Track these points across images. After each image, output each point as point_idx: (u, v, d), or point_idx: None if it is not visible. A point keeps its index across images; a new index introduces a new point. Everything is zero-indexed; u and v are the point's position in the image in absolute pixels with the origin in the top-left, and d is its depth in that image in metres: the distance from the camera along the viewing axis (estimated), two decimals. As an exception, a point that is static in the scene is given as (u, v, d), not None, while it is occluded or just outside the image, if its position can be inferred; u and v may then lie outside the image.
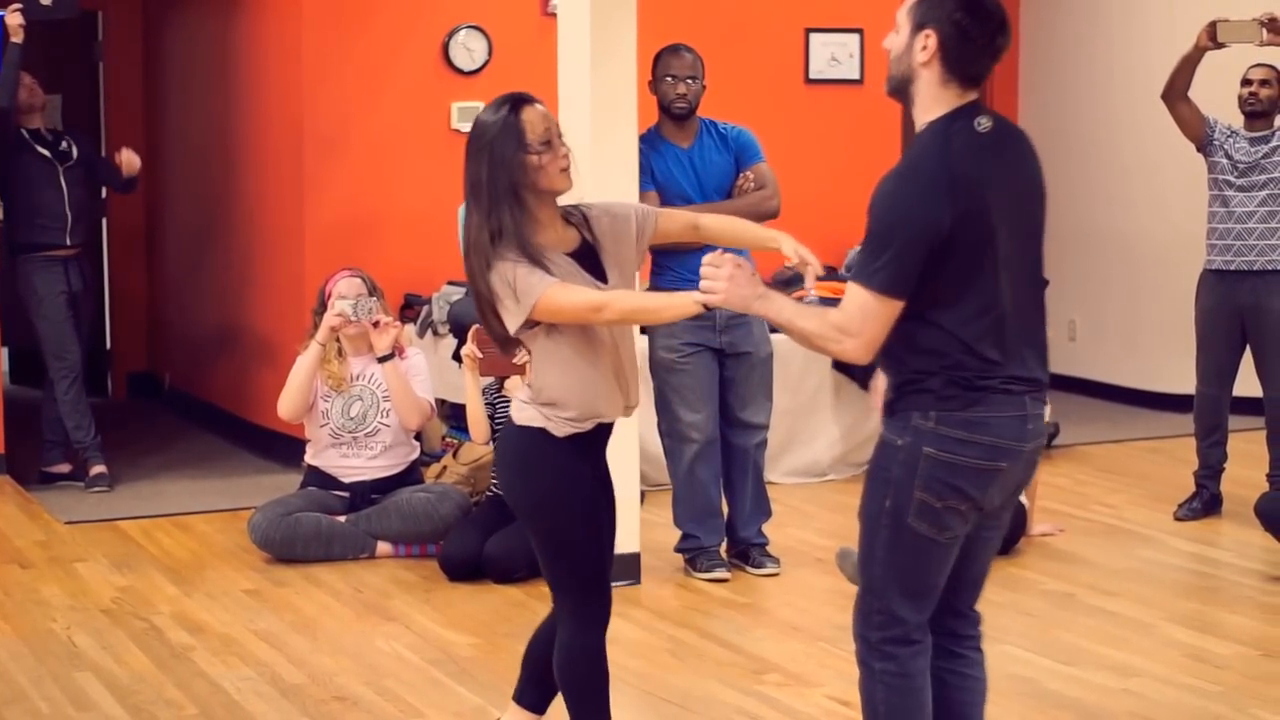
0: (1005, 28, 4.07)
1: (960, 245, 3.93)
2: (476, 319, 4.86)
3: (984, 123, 4.06)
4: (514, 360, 7.21)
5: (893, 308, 3.94)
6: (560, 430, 4.60)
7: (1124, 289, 11.65)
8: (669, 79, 7.21)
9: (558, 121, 4.66)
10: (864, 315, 3.94)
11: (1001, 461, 4.05)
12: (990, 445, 4.03)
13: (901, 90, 4.17)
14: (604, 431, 4.70)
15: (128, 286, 9.89)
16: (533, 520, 4.71)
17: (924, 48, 4.06)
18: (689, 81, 7.19)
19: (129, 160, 9.33)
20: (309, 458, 7.83)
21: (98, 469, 9.06)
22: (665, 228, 4.83)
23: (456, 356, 8.16)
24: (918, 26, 4.07)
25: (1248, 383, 8.41)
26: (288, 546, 7.49)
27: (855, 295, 3.96)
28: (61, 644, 6.43)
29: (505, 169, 4.51)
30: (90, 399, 9.36)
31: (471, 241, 4.52)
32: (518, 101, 4.63)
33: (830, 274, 9.98)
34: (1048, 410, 4.26)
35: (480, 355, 7.20)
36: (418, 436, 7.95)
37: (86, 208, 9.29)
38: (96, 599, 7.03)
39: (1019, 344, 4.10)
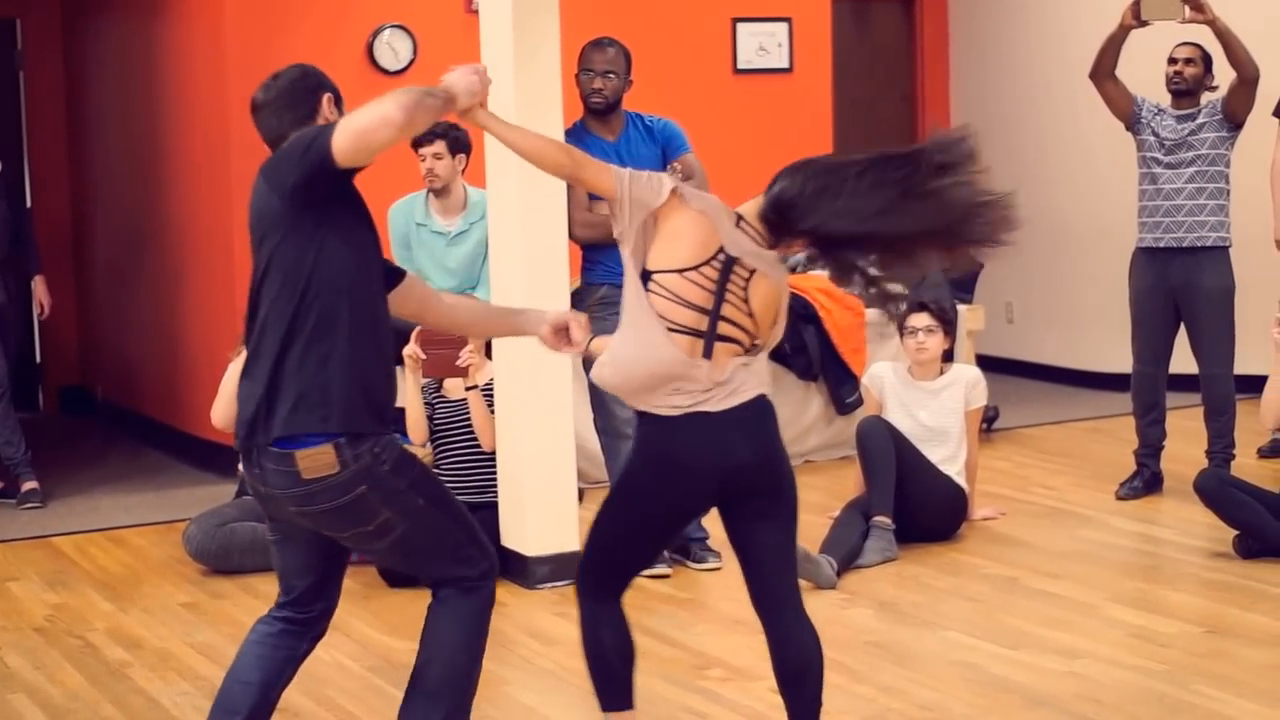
0: (269, 86, 4.51)
1: None
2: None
3: None
4: (457, 361, 7.18)
5: None
6: None
7: (1059, 270, 11.67)
8: (588, 73, 7.17)
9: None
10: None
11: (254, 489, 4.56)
12: None
13: None
14: None
15: (56, 299, 9.77)
16: None
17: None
18: (607, 76, 7.14)
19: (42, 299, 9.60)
20: (243, 466, 7.73)
21: (29, 485, 8.94)
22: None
23: (397, 358, 8.10)
24: None
25: (1184, 360, 8.42)
26: (224, 558, 7.41)
27: None
28: (-6, 665, 6.34)
29: None
30: (20, 414, 9.25)
31: None
32: None
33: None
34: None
35: (423, 356, 7.17)
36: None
37: (9, 220, 9.17)
38: (29, 618, 6.93)
39: None
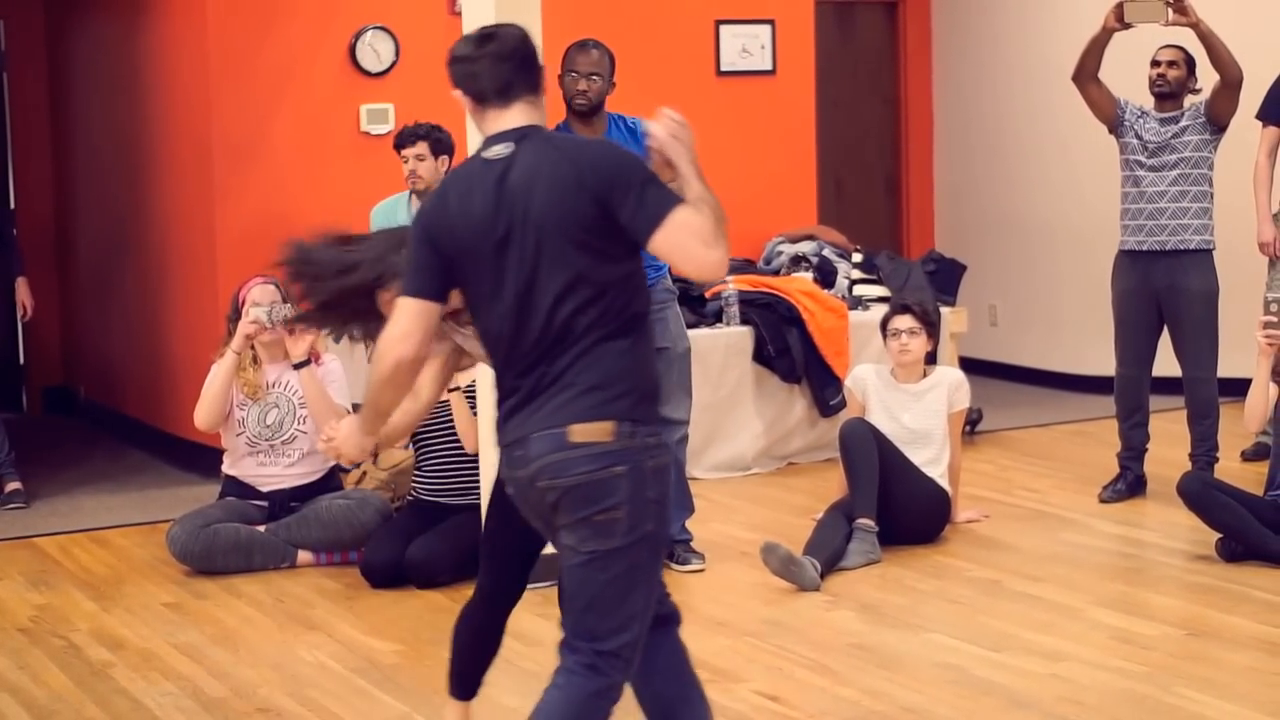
0: (489, 38, 4.24)
1: (448, 258, 4.18)
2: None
3: (496, 151, 4.17)
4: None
5: (420, 306, 4.21)
6: None
7: (1043, 272, 11.68)
8: (572, 75, 7.17)
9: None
10: (398, 312, 4.24)
11: (508, 486, 4.29)
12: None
13: None
14: None
15: (39, 300, 9.76)
16: None
17: (465, 106, 4.28)
18: (592, 79, 7.14)
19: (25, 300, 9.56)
20: (226, 467, 7.74)
21: (13, 486, 8.93)
22: None
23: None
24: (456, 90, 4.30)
25: (1168, 363, 8.43)
26: (207, 558, 7.40)
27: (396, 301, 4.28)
28: (-23, 665, 6.33)
29: None
30: (4, 415, 9.26)
31: None
32: None
33: (747, 266, 9.96)
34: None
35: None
36: (337, 443, 7.85)
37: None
38: (13, 618, 6.92)
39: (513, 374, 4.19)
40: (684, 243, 4.00)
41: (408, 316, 4.20)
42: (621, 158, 4.16)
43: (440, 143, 7.94)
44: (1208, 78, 8.19)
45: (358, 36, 9.41)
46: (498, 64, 4.21)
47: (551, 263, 4.06)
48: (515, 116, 4.21)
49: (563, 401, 4.07)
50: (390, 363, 4.20)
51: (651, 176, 4.11)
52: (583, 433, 4.04)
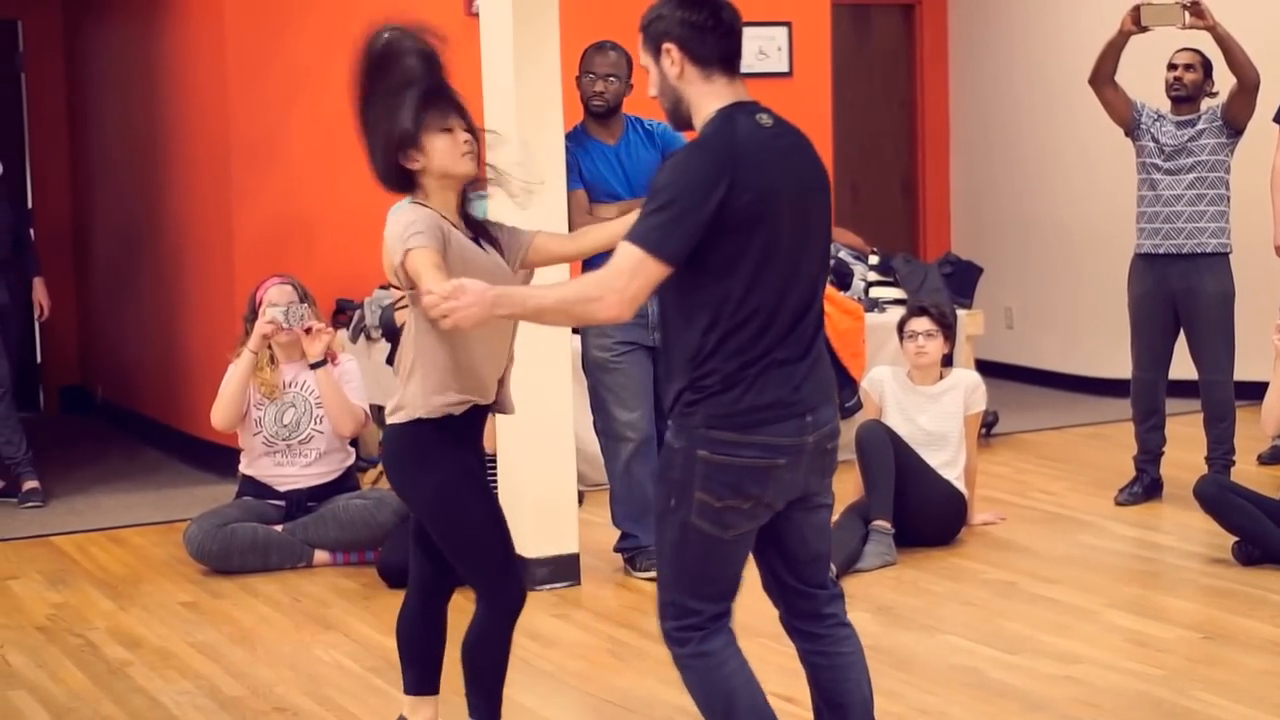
0: (722, 6, 4.15)
1: (736, 223, 3.97)
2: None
3: (765, 119, 4.12)
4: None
5: (664, 273, 3.95)
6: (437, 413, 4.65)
7: (1059, 275, 11.68)
8: (590, 76, 7.18)
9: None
10: (632, 272, 3.92)
11: (780, 459, 4.08)
12: (764, 444, 4.06)
13: (682, 118, 4.20)
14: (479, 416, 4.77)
15: (56, 300, 9.79)
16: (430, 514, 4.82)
17: (672, 62, 4.12)
18: (609, 80, 7.15)
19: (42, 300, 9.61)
20: (243, 467, 7.75)
21: (30, 484, 8.95)
22: (545, 245, 4.91)
23: (390, 361, 8.11)
24: (655, 49, 4.14)
25: (1184, 366, 8.42)
26: (224, 558, 7.42)
27: (626, 252, 3.95)
28: (-5, 663, 6.35)
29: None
30: (21, 414, 9.26)
31: None
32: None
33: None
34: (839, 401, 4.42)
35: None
36: (354, 443, 7.88)
37: (10, 222, 9.19)
38: (31, 616, 6.94)
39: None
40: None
41: (647, 280, 3.95)
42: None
43: (458, 144, 7.94)
44: (1225, 81, 8.19)
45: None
46: (733, 36, 4.16)
47: (817, 233, 4.16)
48: (739, 90, 4.17)
49: (826, 369, 4.21)
50: (607, 317, 3.97)
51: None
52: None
